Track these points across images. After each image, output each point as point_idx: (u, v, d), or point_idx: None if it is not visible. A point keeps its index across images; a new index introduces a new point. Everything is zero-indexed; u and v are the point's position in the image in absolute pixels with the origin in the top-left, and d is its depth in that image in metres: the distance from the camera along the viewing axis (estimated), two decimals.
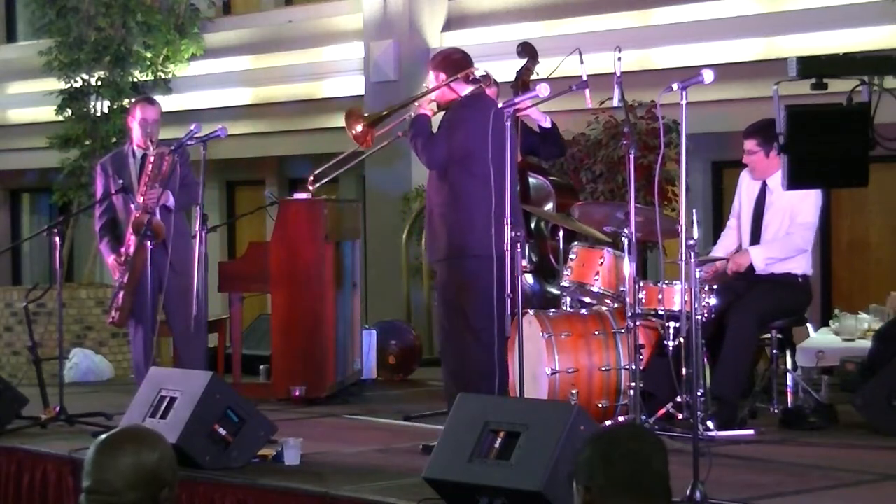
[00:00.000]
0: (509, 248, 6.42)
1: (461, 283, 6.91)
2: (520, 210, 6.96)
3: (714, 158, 10.94)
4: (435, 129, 7.02)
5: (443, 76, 7.08)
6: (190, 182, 8.00)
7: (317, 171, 8.03)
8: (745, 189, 7.58)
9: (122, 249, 8.01)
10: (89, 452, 3.14)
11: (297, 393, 8.45)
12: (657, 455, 2.97)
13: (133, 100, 10.11)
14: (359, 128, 7.14)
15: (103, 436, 3.18)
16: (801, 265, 7.43)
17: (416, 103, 7.14)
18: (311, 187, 8.08)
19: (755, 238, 7.46)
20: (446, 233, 6.95)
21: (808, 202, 7.34)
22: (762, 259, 7.35)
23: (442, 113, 7.12)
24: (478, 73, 7.14)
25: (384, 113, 7.25)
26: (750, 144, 7.44)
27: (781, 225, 7.38)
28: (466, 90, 7.06)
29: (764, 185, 7.46)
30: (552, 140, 8.42)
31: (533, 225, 8.51)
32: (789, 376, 7.47)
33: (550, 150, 8.51)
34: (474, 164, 6.85)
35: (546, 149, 8.48)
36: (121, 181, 8.08)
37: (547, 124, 8.34)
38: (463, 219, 6.89)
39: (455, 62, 7.14)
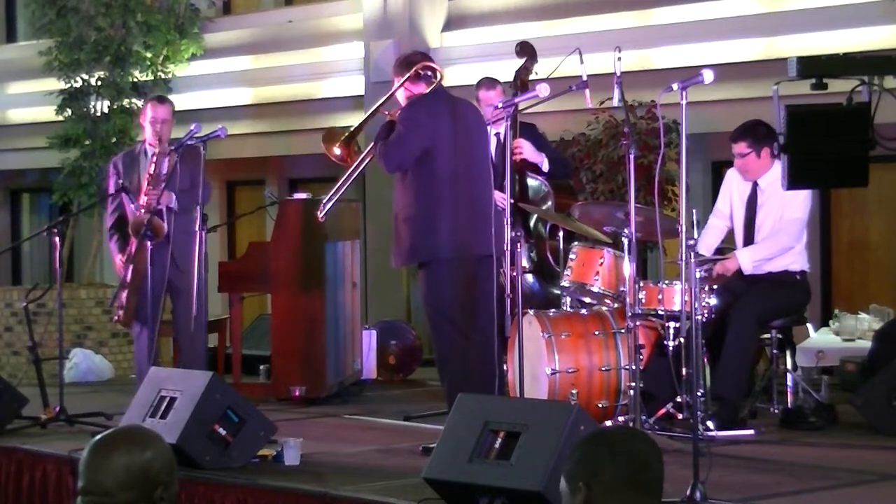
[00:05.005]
0: (508, 247, 6.41)
1: (434, 288, 6.86)
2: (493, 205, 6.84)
3: (714, 158, 10.93)
4: None
5: (399, 79, 7.04)
6: (204, 182, 7.96)
7: (325, 200, 7.47)
8: (736, 190, 7.53)
9: (128, 248, 8.03)
10: (83, 453, 3.14)
11: (297, 393, 8.45)
12: (654, 453, 3.03)
13: (133, 99, 10.14)
14: (337, 150, 7.07)
15: (97, 436, 3.17)
16: (799, 262, 7.41)
17: (386, 112, 7.08)
18: (321, 218, 7.58)
19: (749, 239, 7.44)
20: (409, 237, 6.88)
21: (798, 199, 7.30)
22: (750, 262, 7.32)
23: None
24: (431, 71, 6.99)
25: (356, 128, 7.15)
26: (740, 147, 7.38)
27: (774, 224, 7.35)
28: (423, 88, 7.00)
29: (755, 185, 7.43)
30: (557, 169, 8.37)
31: (532, 225, 8.50)
32: (789, 376, 7.47)
33: (559, 173, 8.46)
34: (434, 162, 6.81)
35: (555, 174, 8.43)
36: (121, 181, 8.10)
37: (545, 167, 8.29)
38: (425, 221, 6.81)
39: (405, 62, 7.07)
